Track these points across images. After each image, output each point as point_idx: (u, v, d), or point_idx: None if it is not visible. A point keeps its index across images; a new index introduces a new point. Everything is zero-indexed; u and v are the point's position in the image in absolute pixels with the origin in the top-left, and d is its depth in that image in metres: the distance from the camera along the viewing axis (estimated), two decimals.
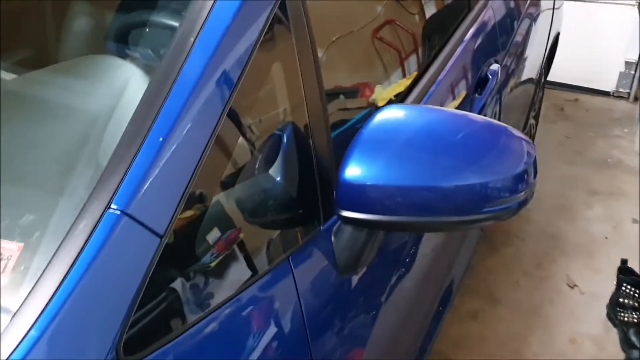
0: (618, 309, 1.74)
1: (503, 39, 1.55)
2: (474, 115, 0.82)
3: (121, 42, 0.90)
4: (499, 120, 1.52)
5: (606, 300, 1.80)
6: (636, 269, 1.82)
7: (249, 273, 0.66)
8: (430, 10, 1.42)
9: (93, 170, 0.62)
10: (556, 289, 1.92)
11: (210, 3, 0.64)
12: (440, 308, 1.33)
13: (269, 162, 0.71)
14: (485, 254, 2.06)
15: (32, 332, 0.46)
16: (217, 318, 0.60)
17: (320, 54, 0.97)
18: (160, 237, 0.53)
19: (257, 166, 0.69)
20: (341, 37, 1.02)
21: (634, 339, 1.66)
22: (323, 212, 0.77)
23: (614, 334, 1.73)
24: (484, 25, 1.44)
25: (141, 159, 0.54)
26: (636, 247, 2.04)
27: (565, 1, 2.38)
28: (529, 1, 1.81)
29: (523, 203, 0.72)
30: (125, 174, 0.53)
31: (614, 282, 1.81)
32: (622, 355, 1.67)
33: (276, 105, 0.74)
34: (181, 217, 0.56)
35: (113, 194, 0.52)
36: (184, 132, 0.57)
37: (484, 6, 1.48)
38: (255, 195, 0.69)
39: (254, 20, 0.66)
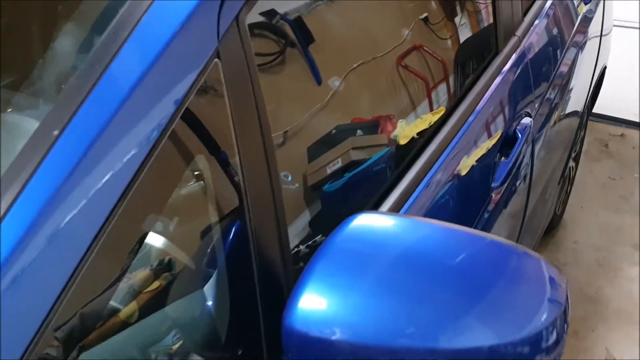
0: None
1: (541, 79, 1.49)
2: (482, 234, 0.65)
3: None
4: (532, 178, 1.43)
5: None
6: None
7: None
8: (465, 34, 1.37)
9: None
10: None
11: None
12: None
13: (190, 282, 0.59)
14: None
15: None
16: None
17: (338, 82, 0.92)
18: None
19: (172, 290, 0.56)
20: (362, 63, 0.98)
21: None
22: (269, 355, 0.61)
23: None
24: (520, 60, 1.37)
25: None
26: None
27: (614, 27, 2.33)
28: (575, 27, 1.76)
29: None
30: None
31: None
32: None
33: (203, 198, 0.62)
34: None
35: None
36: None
37: (526, 32, 1.42)
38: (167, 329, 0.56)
39: (173, 84, 0.54)
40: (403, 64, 1.10)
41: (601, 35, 2.05)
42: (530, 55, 1.40)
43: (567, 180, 2.22)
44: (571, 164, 2.21)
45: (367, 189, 0.95)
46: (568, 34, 1.70)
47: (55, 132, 0.47)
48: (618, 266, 2.22)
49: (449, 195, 1.04)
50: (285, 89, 0.84)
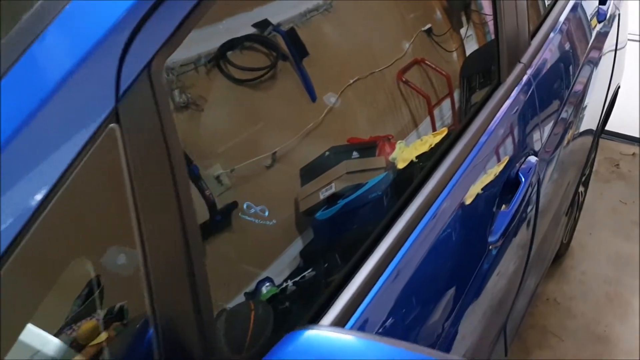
0: None
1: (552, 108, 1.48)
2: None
3: None
4: (537, 214, 1.39)
5: None
6: None
7: None
8: (471, 47, 1.37)
9: None
10: None
11: None
12: None
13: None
14: (515, 356, 1.96)
15: None
16: None
17: (333, 99, 0.92)
18: None
19: None
20: (360, 79, 0.97)
21: None
22: None
23: None
24: (525, 91, 1.35)
25: None
26: None
27: (628, 41, 2.35)
28: (590, 43, 1.78)
29: None
30: None
31: None
32: None
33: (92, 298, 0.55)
34: None
35: None
36: None
37: (533, 58, 1.41)
38: None
39: (45, 162, 0.46)
40: (404, 79, 1.10)
41: (616, 50, 2.08)
42: (536, 85, 1.37)
43: (575, 206, 2.22)
44: (581, 189, 2.20)
45: (362, 217, 0.95)
46: (582, 51, 1.72)
47: None
48: (628, 300, 2.21)
49: (443, 246, 1.02)
50: (275, 107, 0.83)
